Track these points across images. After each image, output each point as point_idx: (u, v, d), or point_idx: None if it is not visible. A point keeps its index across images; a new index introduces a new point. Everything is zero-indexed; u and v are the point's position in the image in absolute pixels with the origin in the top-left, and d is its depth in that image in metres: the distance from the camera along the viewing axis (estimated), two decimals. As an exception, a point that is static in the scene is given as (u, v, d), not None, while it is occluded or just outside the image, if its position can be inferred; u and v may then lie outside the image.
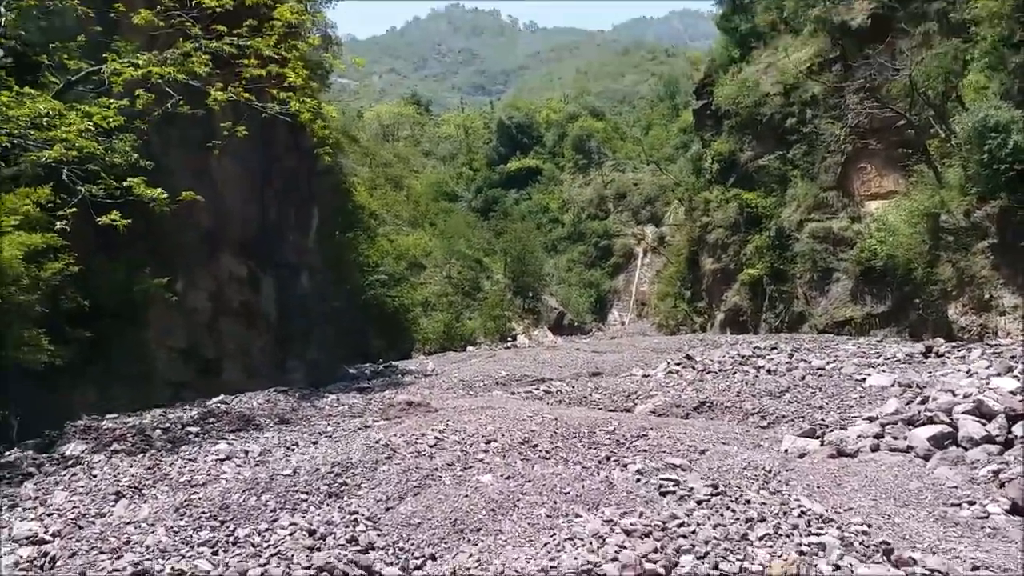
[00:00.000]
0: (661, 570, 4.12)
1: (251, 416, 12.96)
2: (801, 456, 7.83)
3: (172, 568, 4.71)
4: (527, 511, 5.72)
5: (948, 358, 15.68)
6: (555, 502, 5.88)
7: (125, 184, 11.78)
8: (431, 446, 7.83)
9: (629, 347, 27.18)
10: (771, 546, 4.36)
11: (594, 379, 17.89)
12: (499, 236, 58.70)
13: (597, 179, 70.82)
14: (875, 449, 7.59)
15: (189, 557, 4.97)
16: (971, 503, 5.44)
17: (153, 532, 5.51)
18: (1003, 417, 7.39)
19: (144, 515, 5.92)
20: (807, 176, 34.20)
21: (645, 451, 7.94)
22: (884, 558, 4.01)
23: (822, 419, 9.89)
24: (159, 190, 12.08)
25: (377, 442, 8.07)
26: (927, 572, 3.91)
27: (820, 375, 14.68)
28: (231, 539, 5.33)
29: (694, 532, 4.70)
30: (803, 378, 14.28)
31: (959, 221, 24.15)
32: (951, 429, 7.55)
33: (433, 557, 5.18)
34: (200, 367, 18.16)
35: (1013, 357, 13.69)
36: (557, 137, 78.10)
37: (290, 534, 5.36)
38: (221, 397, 15.85)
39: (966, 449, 7.13)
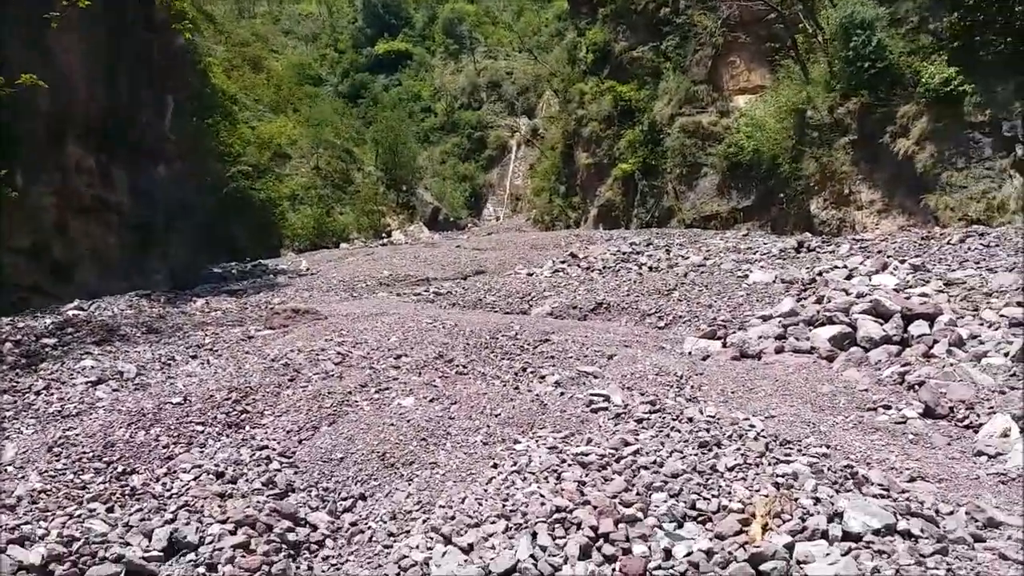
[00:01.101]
0: (639, 513, 3.93)
1: (114, 325, 11.80)
2: (705, 358, 7.96)
3: (59, 534, 3.98)
4: (461, 439, 5.40)
5: (819, 253, 16.46)
6: (488, 426, 5.59)
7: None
8: (336, 364, 7.31)
9: (509, 244, 27.05)
10: (744, 478, 4.27)
11: (480, 278, 17.67)
12: (369, 125, 56.15)
13: (469, 66, 68.77)
14: (779, 351, 7.80)
15: (78, 516, 4.26)
16: (887, 407, 5.64)
17: (24, 479, 4.72)
18: (899, 317, 7.75)
19: (9, 456, 5.09)
20: (679, 69, 34.28)
21: (553, 358, 7.81)
22: (854, 485, 4.03)
23: (715, 318, 10.11)
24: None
25: (274, 360, 7.44)
26: (882, 492, 3.96)
27: (702, 271, 15.05)
28: (126, 489, 4.64)
29: (657, 464, 4.50)
30: (686, 275, 14.58)
31: (823, 117, 24.99)
32: (850, 329, 7.85)
33: (363, 497, 4.79)
34: (50, 269, 16.38)
35: (880, 252, 14.52)
36: (427, 19, 74.69)
37: (195, 479, 4.76)
38: (77, 303, 14.33)
39: (867, 349, 7.44)
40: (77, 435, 5.38)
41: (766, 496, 3.90)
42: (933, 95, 20.49)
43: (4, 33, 14.31)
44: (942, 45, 20.99)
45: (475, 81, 67.64)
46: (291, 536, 4.19)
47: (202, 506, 4.36)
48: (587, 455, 4.73)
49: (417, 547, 4.08)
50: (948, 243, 14.94)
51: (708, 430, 4.93)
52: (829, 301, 8.75)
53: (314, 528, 4.37)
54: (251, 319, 12.31)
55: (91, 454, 5.09)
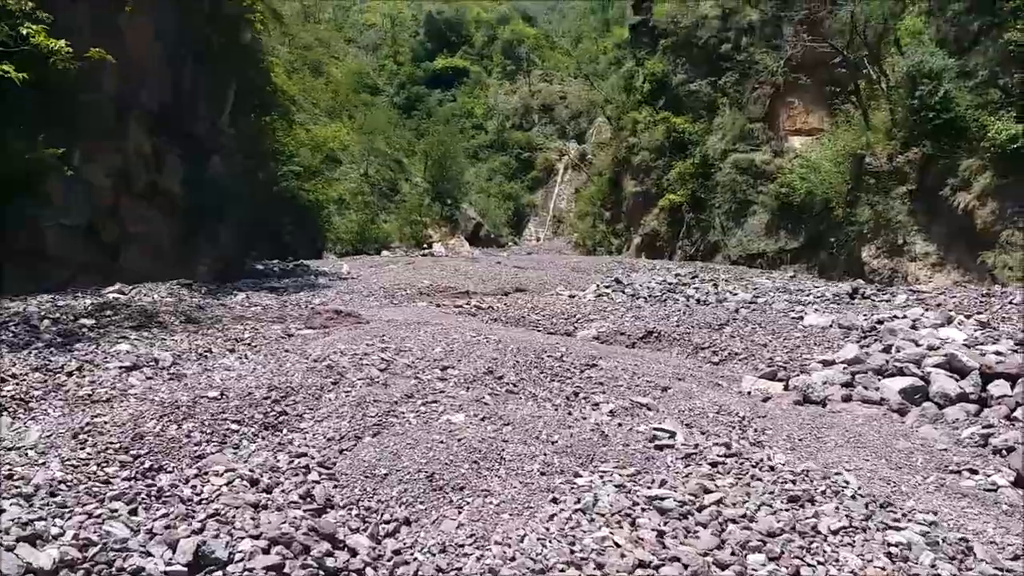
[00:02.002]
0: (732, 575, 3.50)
1: (153, 312, 11.66)
2: (765, 400, 7.50)
3: (75, 535, 3.58)
4: (515, 465, 4.94)
5: (875, 300, 15.87)
6: (545, 454, 5.13)
7: (22, 31, 10.01)
8: (381, 370, 6.96)
9: (550, 265, 26.79)
10: (851, 543, 3.82)
11: (521, 296, 17.39)
12: (420, 137, 56.59)
13: (524, 87, 69.12)
14: (847, 399, 7.32)
15: (98, 516, 3.84)
16: (972, 471, 5.15)
17: (45, 466, 4.41)
18: (977, 374, 7.23)
19: (32, 439, 4.79)
20: (736, 105, 33.97)
21: (602, 384, 7.40)
22: (970, 559, 3.57)
23: (771, 358, 9.63)
24: (63, 41, 10.36)
25: (316, 361, 7.11)
26: (997, 571, 3.50)
27: (753, 309, 14.58)
28: (152, 489, 4.23)
29: (746, 518, 4.06)
30: (737, 311, 14.13)
31: (882, 164, 24.45)
32: (922, 383, 7.36)
33: (408, 521, 4.30)
34: (99, 249, 16.43)
35: (940, 305, 13.89)
36: (487, 39, 75.42)
37: (227, 484, 4.33)
38: (118, 286, 14.33)
39: (940, 407, 6.94)
40: (105, 423, 5.03)
41: (881, 569, 3.45)
42: (999, 151, 19.89)
43: (78, 12, 14.42)
44: (1011, 101, 20.42)
45: (528, 103, 67.93)
46: (329, 562, 3.70)
47: (234, 516, 3.92)
48: (663, 499, 4.27)
49: (473, 595, 3.67)
50: (1011, 302, 14.25)
51: (795, 482, 4.48)
52: (898, 351, 8.24)
53: (354, 553, 3.87)
54: (291, 317, 12.10)
55: (118, 445, 4.70)
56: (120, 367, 6.96)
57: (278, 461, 4.85)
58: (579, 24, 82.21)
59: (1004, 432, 6.03)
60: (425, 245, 41.43)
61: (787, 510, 4.09)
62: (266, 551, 3.74)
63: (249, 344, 8.93)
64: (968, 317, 11.26)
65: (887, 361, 7.99)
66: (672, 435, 5.49)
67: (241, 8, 20.16)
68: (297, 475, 4.63)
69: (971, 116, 21.18)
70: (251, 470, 4.60)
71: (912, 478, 5.00)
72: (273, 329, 10.18)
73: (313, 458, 4.94)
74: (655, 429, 5.56)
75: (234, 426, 5.42)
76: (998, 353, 8.36)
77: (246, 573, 3.57)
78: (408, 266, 23.74)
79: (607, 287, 18.46)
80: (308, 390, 6.21)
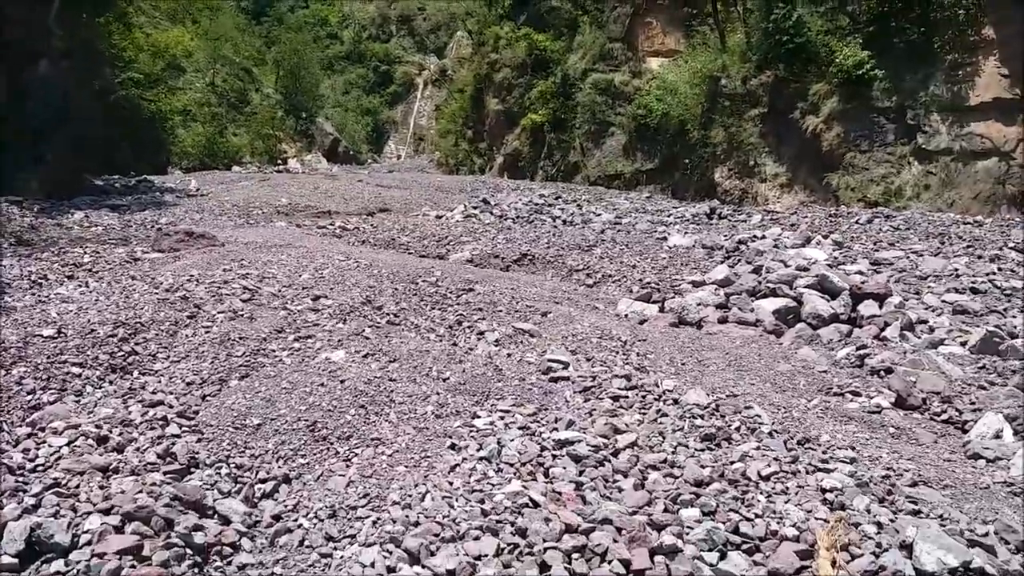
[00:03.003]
0: (678, 541, 3.13)
1: (-23, 234, 10.27)
2: (642, 322, 7.50)
3: None
4: (407, 407, 4.49)
5: (732, 220, 16.46)
6: (437, 393, 4.72)
7: None
8: (244, 301, 6.27)
9: (414, 184, 25.99)
10: (785, 491, 3.59)
11: (386, 217, 16.75)
12: (271, 45, 52.84)
13: (381, -4, 65.88)
14: (723, 321, 7.43)
15: None
16: (855, 393, 5.30)
17: None
18: (847, 295, 7.51)
19: None
20: (596, 24, 33.70)
21: (481, 310, 7.12)
22: (905, 502, 3.52)
23: (641, 279, 9.71)
24: None
25: (169, 290, 6.29)
26: (914, 509, 3.51)
27: (618, 230, 14.74)
28: None
29: (669, 464, 3.80)
30: (603, 232, 14.24)
31: (736, 87, 25.08)
32: (795, 303, 7.58)
33: (288, 479, 3.78)
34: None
35: (794, 225, 14.59)
36: (339, -59, 70.73)
37: (68, 444, 3.63)
38: (-63, 205, 12.59)
39: (814, 327, 7.17)
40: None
41: (825, 521, 3.35)
42: (845, 76, 20.83)
43: None
44: (858, 28, 21.31)
45: (385, 12, 64.92)
46: (198, 537, 3.14)
47: (77, 487, 3.24)
48: (574, 444, 3.99)
49: (372, 565, 3.11)
50: (857, 222, 15.21)
51: (704, 417, 4.38)
52: (769, 272, 8.48)
53: (226, 522, 3.33)
54: (137, 239, 10.99)
55: (-78, 398, 3.93)
56: (-73, 301, 5.92)
57: (130, 412, 4.20)
58: (438, -71, 78.78)
59: (879, 352, 6.30)
60: (279, 161, 39.24)
61: (705, 450, 3.97)
62: (119, 529, 3.11)
63: (90, 270, 7.96)
64: (825, 237, 11.83)
65: (759, 282, 8.18)
66: (565, 365, 5.31)
67: None
68: (153, 428, 4.00)
69: (821, 41, 21.93)
70: (97, 425, 3.91)
71: (798, 401, 5.09)
72: (117, 252, 9.16)
73: (171, 407, 4.30)
74: (549, 360, 5.35)
75: (75, 369, 4.69)
76: (860, 273, 8.79)
77: (95, 560, 2.92)
78: (263, 183, 22.27)
79: (475, 208, 18.10)
80: (161, 325, 5.48)
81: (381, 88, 60.07)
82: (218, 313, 5.93)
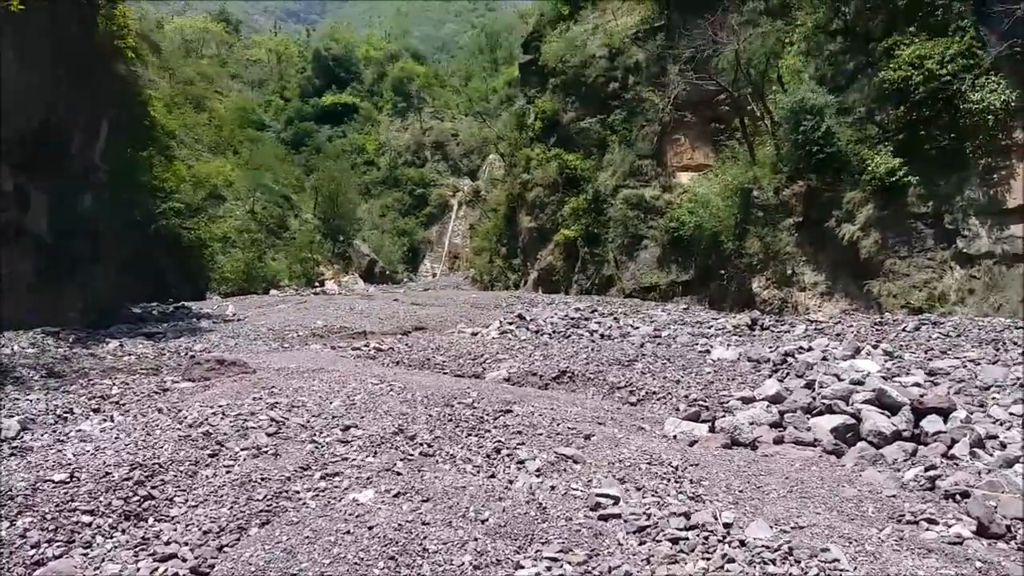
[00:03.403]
0: None
1: (10, 366, 10.27)
2: (692, 444, 7.05)
3: None
4: (443, 558, 3.98)
5: (774, 331, 16.02)
6: (475, 538, 4.24)
7: None
8: (269, 435, 6.01)
9: (449, 301, 26.10)
10: None
11: (421, 335, 16.65)
12: (310, 173, 55.20)
13: (415, 124, 68.87)
14: (778, 441, 6.95)
15: None
16: (931, 521, 4.78)
17: None
18: (908, 410, 7.03)
19: None
20: (625, 143, 34.53)
21: (520, 433, 6.75)
22: None
23: (687, 395, 9.28)
24: None
25: (192, 426, 6.06)
26: None
27: (658, 343, 14.38)
28: None
29: None
30: (642, 345, 13.89)
31: (769, 198, 25.14)
32: (854, 420, 7.10)
33: None
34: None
35: (839, 335, 14.10)
36: (376, 76, 74.91)
37: None
38: (-26, 336, 12.77)
39: (876, 446, 6.67)
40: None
41: None
42: (879, 184, 20.77)
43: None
44: (888, 136, 21.40)
45: (420, 139, 67.68)
46: None
47: None
48: None
49: None
50: (904, 330, 14.68)
51: (775, 562, 3.90)
52: (822, 387, 8.02)
53: None
54: (168, 368, 10.92)
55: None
56: (-53, 442, 5.75)
57: (139, 569, 3.86)
58: (468, 63, 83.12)
59: (950, 473, 5.77)
60: (317, 283, 39.96)
61: None
62: None
63: (117, 402, 7.81)
64: (875, 347, 11.34)
65: (813, 398, 7.72)
66: (616, 500, 4.88)
67: (114, 37, 18.80)
68: None
69: (851, 150, 22.06)
70: None
71: (867, 532, 4.58)
72: (146, 383, 9.03)
73: (185, 560, 3.94)
74: (597, 495, 4.93)
75: (86, 518, 4.37)
76: (917, 385, 8.28)
77: None
78: (299, 305, 22.50)
79: (510, 323, 17.95)
80: (180, 465, 5.17)
81: (416, 210, 61.81)
82: (241, 450, 5.61)
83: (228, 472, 5.18)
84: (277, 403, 6.89)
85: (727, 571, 3.86)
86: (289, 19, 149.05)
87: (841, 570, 3.86)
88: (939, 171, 19.85)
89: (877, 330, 14.91)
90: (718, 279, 27.75)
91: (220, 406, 6.79)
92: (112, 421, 6.63)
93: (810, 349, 11.88)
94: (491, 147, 60.20)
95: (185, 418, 6.33)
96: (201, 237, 32.15)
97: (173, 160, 31.77)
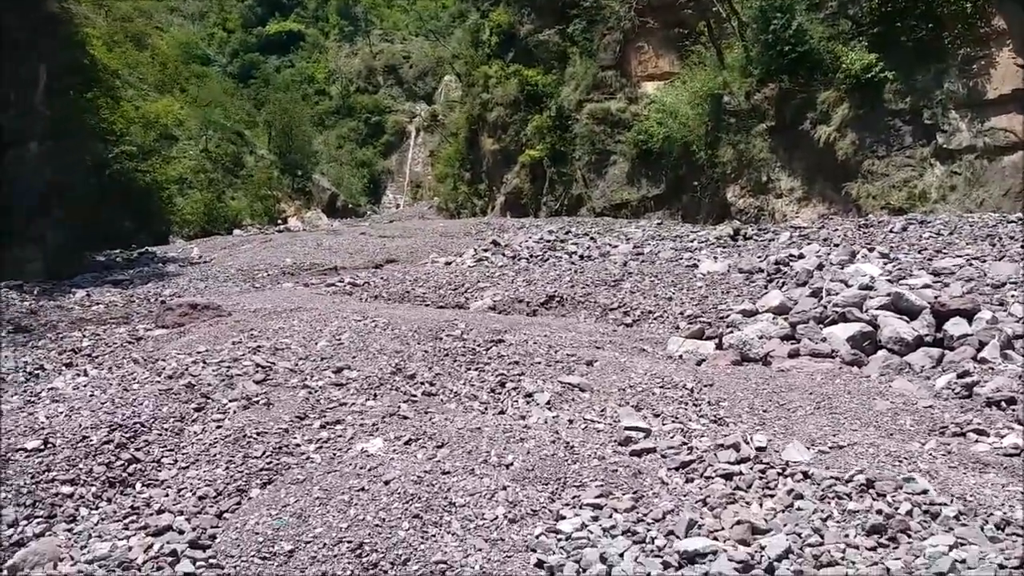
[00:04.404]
0: None
1: (-28, 323, 9.67)
2: (699, 363, 6.76)
3: None
4: (472, 511, 3.59)
5: (758, 240, 15.72)
6: (504, 486, 3.83)
7: None
8: (258, 382, 5.46)
9: (417, 231, 25.46)
10: None
11: (394, 267, 16.15)
12: (261, 107, 53.13)
13: (365, 48, 66.34)
14: (794, 355, 6.66)
15: None
16: (979, 432, 4.52)
17: None
18: (928, 313, 6.73)
19: None
20: (586, 54, 33.38)
21: (517, 363, 6.41)
22: None
23: (682, 312, 8.99)
24: None
25: (172, 377, 5.54)
26: None
27: (642, 261, 14.05)
28: None
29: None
30: (625, 264, 13.54)
31: (740, 103, 24.48)
32: (871, 327, 6.81)
33: None
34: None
35: (826, 240, 13.82)
36: (320, 0, 71.53)
37: None
38: (-71, 296, 12.06)
39: (899, 353, 6.40)
40: None
41: None
42: (854, 81, 20.16)
43: None
44: (862, 31, 20.72)
45: (371, 64, 65.28)
46: None
47: None
48: (706, 557, 2.98)
49: None
50: (892, 231, 14.40)
51: (851, 496, 3.53)
52: (830, 294, 7.72)
53: None
54: (139, 315, 10.36)
55: None
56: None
57: (130, 544, 3.43)
58: (416, -20, 79.73)
59: (987, 379, 5.50)
60: (280, 220, 38.95)
61: (881, 552, 3.09)
62: None
63: (89, 355, 7.29)
64: (870, 250, 11.06)
65: (824, 306, 7.41)
66: (647, 433, 4.55)
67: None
68: (161, 568, 3.26)
69: (824, 48, 21.30)
70: (90, 563, 3.15)
71: (912, 447, 4.32)
72: (118, 332, 8.49)
73: (182, 533, 3.52)
74: (626, 428, 4.58)
75: (66, 488, 3.90)
76: (928, 286, 7.99)
77: None
78: (265, 244, 21.75)
79: (485, 251, 17.45)
80: (164, 423, 4.67)
81: (374, 139, 60.12)
82: (230, 402, 5.15)
83: (219, 427, 4.72)
84: (260, 347, 6.41)
85: (799, 510, 3.53)
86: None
87: (933, 503, 3.53)
88: (916, 64, 19.25)
89: (864, 233, 14.64)
90: (691, 191, 27.33)
91: (199, 352, 6.31)
92: (86, 376, 6.13)
93: (801, 256, 11.59)
94: (446, 67, 58.34)
95: (163, 369, 5.81)
96: (157, 180, 30.87)
97: (119, 101, 30.16)
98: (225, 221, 35.81)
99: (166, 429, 4.67)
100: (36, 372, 6.84)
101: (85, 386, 5.56)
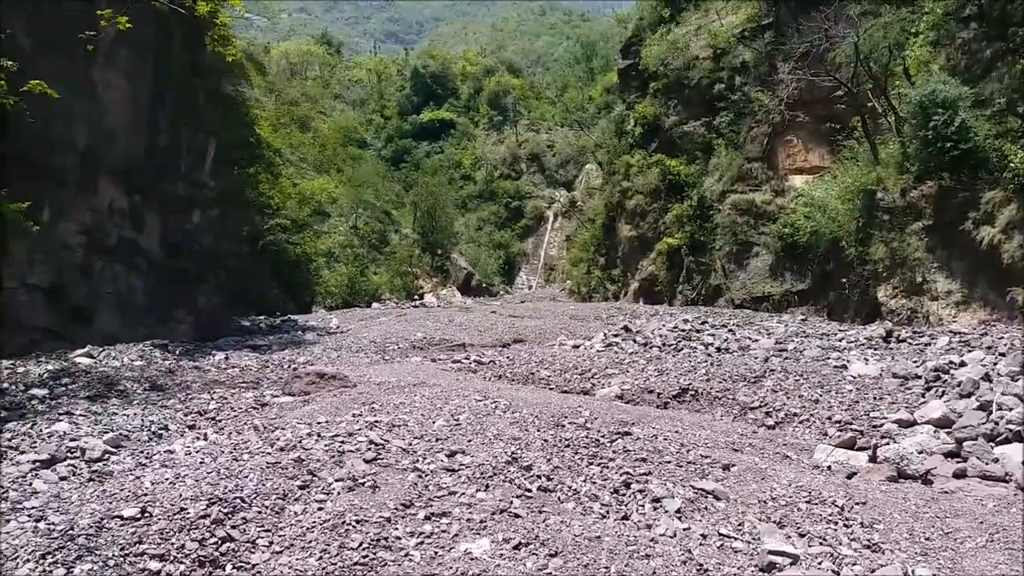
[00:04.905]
0: None
1: (115, 379, 10.22)
2: (850, 476, 5.99)
3: None
4: None
5: (911, 343, 14.43)
6: None
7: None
8: (367, 461, 5.25)
9: (547, 313, 25.37)
10: None
11: (521, 347, 15.96)
12: (409, 189, 56.07)
13: (511, 137, 68.90)
14: (960, 475, 5.82)
15: None
16: None
17: None
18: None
19: None
20: (732, 146, 33.12)
21: (645, 460, 5.88)
22: None
23: (830, 417, 8.15)
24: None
25: (283, 450, 5.44)
26: None
27: (785, 357, 13.12)
28: None
29: None
30: (767, 360, 12.67)
31: (895, 200, 23.31)
32: (1051, 451, 5.88)
33: None
34: (68, 312, 15.07)
35: (990, 348, 12.45)
36: (472, 91, 75.58)
37: None
38: (87, 349, 13.04)
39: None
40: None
41: None
42: (1022, 181, 18.72)
43: (42, 63, 13.29)
44: (1030, 129, 19.35)
45: (516, 152, 67.63)
46: None
47: None
48: None
49: None
50: (1067, 341, 12.85)
51: None
52: (1000, 409, 6.76)
53: None
54: (268, 381, 10.62)
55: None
56: (34, 462, 5.36)
57: None
58: (563, 75, 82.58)
59: None
60: (416, 296, 40.17)
61: None
62: None
63: (213, 418, 7.40)
64: (1044, 361, 9.79)
65: (996, 422, 6.48)
66: (794, 560, 3.94)
67: (221, 60, 19.25)
68: None
69: (990, 146, 20.14)
70: None
71: None
72: (245, 397, 8.66)
73: None
74: (770, 552, 4.00)
75: (154, 564, 3.71)
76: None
77: None
78: (400, 318, 22.30)
79: (615, 336, 16.97)
80: (266, 499, 4.45)
81: (512, 223, 61.69)
82: (335, 481, 4.85)
83: (320, 509, 4.40)
84: (377, 421, 6.23)
85: None
86: (388, 40, 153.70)
87: None
88: None
89: (1033, 341, 13.13)
90: (838, 288, 26.06)
91: (318, 423, 6.20)
92: (205, 440, 6.16)
93: (963, 364, 10.42)
94: (588, 156, 59.44)
95: (277, 440, 5.68)
96: (306, 252, 32.73)
97: (279, 177, 32.52)
98: (366, 294, 37.30)
99: (266, 507, 4.42)
100: (160, 432, 6.97)
101: (198, 452, 5.51)
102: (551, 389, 10.31)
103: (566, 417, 7.13)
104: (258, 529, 4.12)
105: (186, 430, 6.84)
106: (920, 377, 9.91)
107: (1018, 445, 6.07)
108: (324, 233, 39.00)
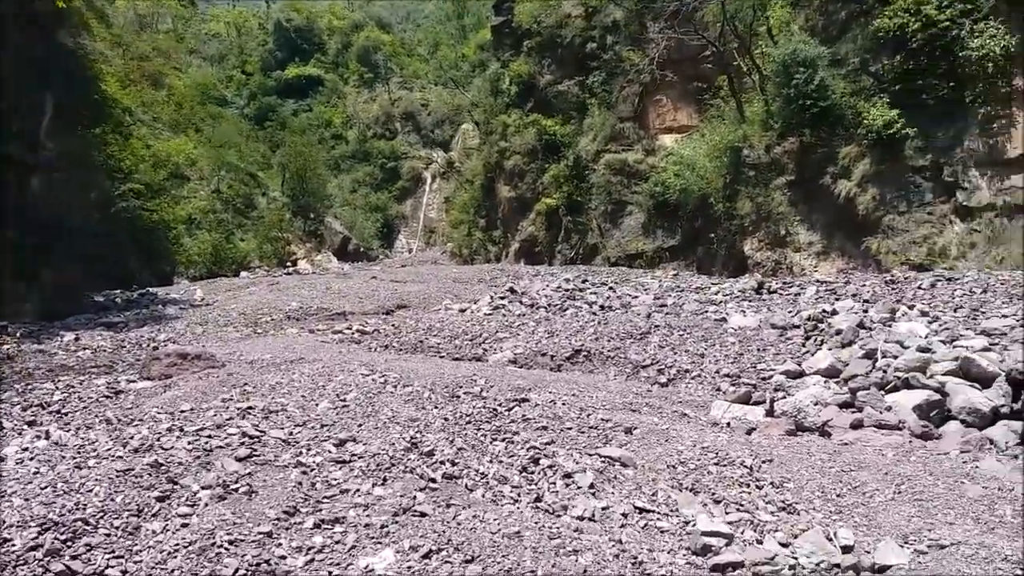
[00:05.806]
0: None
1: (-63, 370, 8.91)
2: (749, 431, 5.92)
3: None
4: None
5: (784, 294, 14.94)
6: None
7: None
8: (240, 459, 4.49)
9: (429, 277, 24.81)
10: None
11: (406, 314, 15.39)
12: (276, 149, 53.28)
13: (384, 95, 66.93)
14: (857, 425, 5.83)
15: None
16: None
17: None
18: (1004, 381, 5.92)
19: None
20: (605, 105, 33.42)
21: (545, 428, 5.56)
22: None
23: (718, 370, 8.15)
24: None
25: (138, 451, 4.56)
26: None
27: (666, 312, 13.25)
28: None
29: None
30: (649, 316, 12.74)
31: (760, 156, 24.29)
32: (938, 396, 5.99)
33: None
34: None
35: (855, 296, 13.00)
36: (341, 46, 72.58)
37: None
38: (-84, 337, 11.38)
39: (975, 426, 5.56)
40: None
41: None
42: (875, 137, 19.99)
43: None
44: (884, 87, 20.56)
45: (389, 111, 65.77)
46: None
47: None
48: None
49: None
50: (920, 288, 13.63)
51: None
52: (885, 356, 6.90)
53: None
54: (125, 363, 9.58)
55: None
56: None
57: None
58: (435, 31, 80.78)
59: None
60: (289, 263, 38.46)
61: None
62: None
63: (58, 411, 6.45)
64: (910, 308, 10.23)
65: (884, 370, 6.58)
66: (728, 540, 3.68)
67: (57, 8, 17.12)
68: None
69: (846, 103, 21.30)
70: None
71: (1018, 543, 3.48)
72: (96, 385, 7.69)
73: None
74: (703, 534, 3.72)
75: None
76: (986, 349, 7.18)
77: None
78: (272, 287, 21.07)
79: (502, 298, 16.70)
80: (116, 517, 3.60)
81: (389, 184, 60.18)
82: (202, 489, 4.06)
83: (184, 526, 3.64)
84: (250, 408, 5.53)
85: None
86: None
87: None
88: (937, 122, 19.22)
89: (893, 289, 13.86)
90: (707, 243, 27.07)
91: (181, 412, 5.43)
92: (47, 438, 5.27)
93: (835, 312, 10.79)
94: (464, 116, 58.63)
95: (130, 439, 4.79)
96: (164, 219, 30.45)
97: (130, 138, 29.92)
98: (233, 263, 35.36)
99: (117, 527, 3.60)
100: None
101: (32, 459, 4.58)
102: (442, 357, 9.86)
103: (461, 387, 6.72)
104: (107, 557, 3.35)
105: (25, 427, 5.89)
106: (798, 327, 10.15)
107: (907, 392, 6.21)
108: (183, 198, 36.48)
